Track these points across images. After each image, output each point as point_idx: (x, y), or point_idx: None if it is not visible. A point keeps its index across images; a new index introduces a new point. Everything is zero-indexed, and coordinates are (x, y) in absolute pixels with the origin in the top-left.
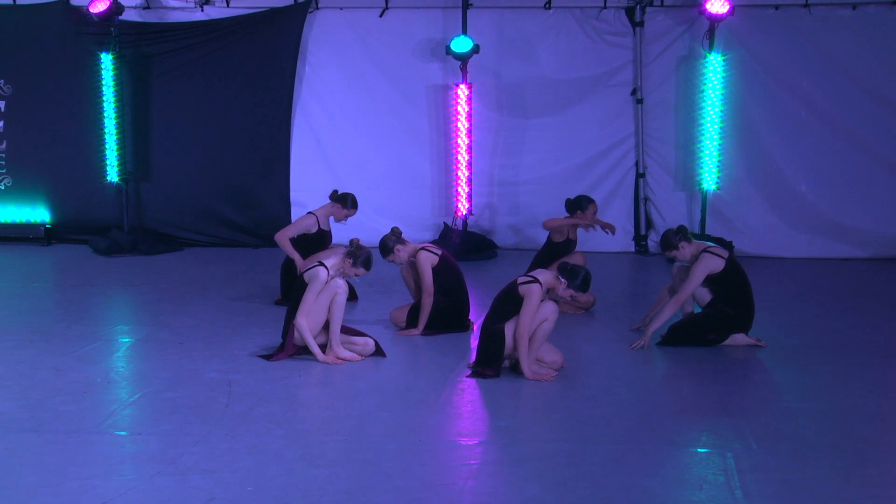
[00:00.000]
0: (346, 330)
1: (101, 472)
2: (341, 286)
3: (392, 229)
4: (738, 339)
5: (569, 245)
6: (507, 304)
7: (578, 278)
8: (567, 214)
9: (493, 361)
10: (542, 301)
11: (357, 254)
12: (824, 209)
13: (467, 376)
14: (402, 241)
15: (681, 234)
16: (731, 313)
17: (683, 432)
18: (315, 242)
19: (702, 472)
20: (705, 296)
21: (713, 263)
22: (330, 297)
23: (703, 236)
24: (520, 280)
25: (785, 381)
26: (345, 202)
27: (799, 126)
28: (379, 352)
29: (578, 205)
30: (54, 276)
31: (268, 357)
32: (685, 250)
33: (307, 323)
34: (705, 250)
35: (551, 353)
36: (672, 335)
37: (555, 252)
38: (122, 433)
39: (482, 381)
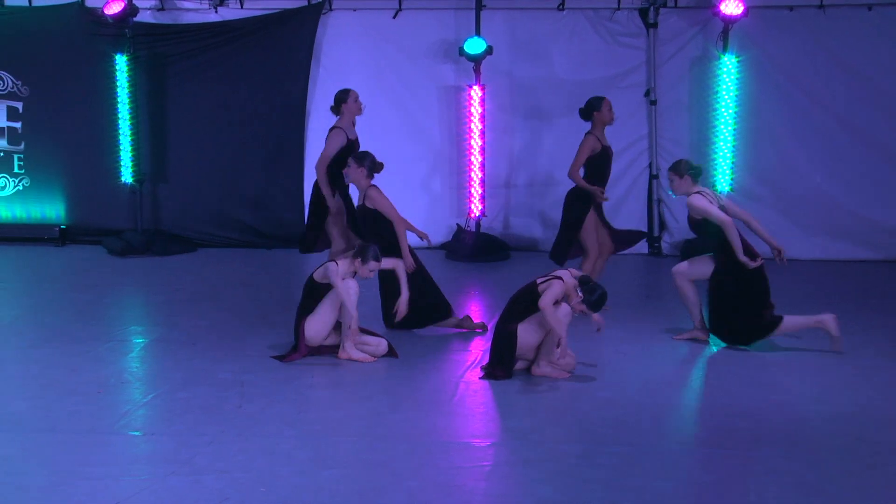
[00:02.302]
0: (359, 330)
1: (114, 472)
2: (353, 287)
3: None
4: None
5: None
6: (522, 303)
7: (595, 295)
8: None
9: (506, 362)
10: (559, 300)
11: (363, 251)
12: (839, 211)
13: (480, 377)
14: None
15: (681, 168)
16: (740, 265)
17: (696, 434)
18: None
19: (715, 474)
20: (707, 267)
21: (697, 202)
22: (339, 298)
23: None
24: (539, 280)
25: (799, 383)
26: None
27: (814, 128)
28: (392, 353)
29: (592, 107)
30: (68, 276)
31: (281, 358)
32: (675, 183)
33: (319, 324)
34: (698, 192)
35: (565, 356)
36: (721, 328)
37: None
38: (136, 433)
39: (494, 382)
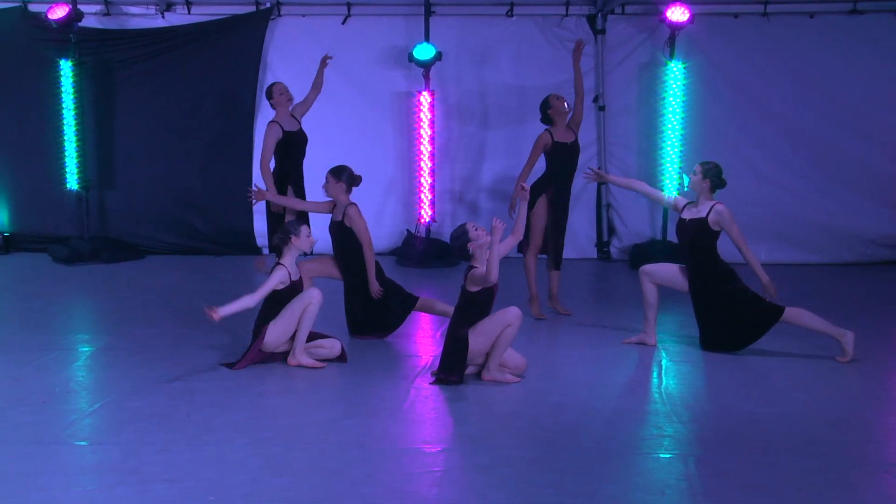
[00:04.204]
0: (312, 336)
1: (61, 483)
2: (315, 296)
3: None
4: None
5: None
6: (468, 308)
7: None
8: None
9: (457, 367)
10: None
11: (286, 230)
12: (785, 215)
13: (430, 383)
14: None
15: (716, 172)
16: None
17: (647, 438)
18: (293, 148)
19: (664, 477)
20: (677, 277)
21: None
22: (303, 306)
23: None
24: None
25: (747, 386)
26: (269, 94)
27: (759, 132)
28: (342, 357)
29: (545, 107)
30: (13, 285)
31: (230, 365)
32: (699, 183)
33: (281, 331)
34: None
35: (515, 359)
36: (716, 341)
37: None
38: (83, 443)
39: (446, 387)
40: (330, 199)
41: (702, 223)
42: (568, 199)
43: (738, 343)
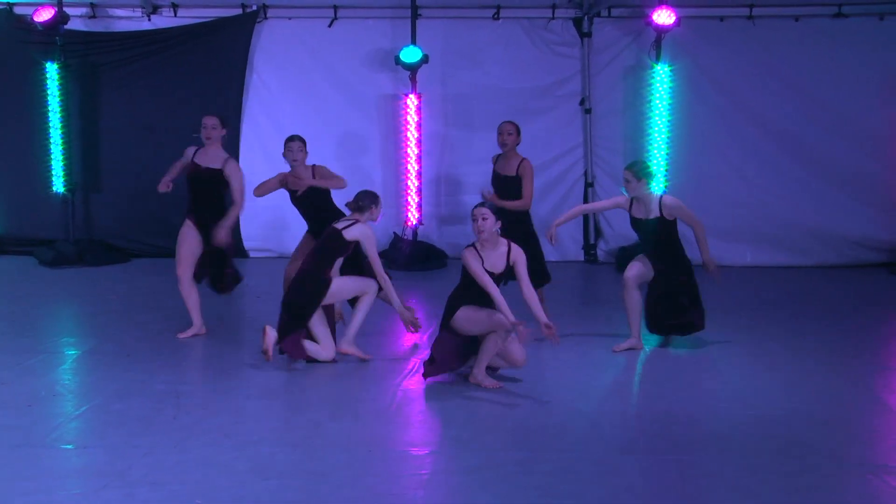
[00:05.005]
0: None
1: (46, 487)
2: (373, 287)
3: None
4: None
5: None
6: (470, 287)
7: None
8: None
9: (443, 323)
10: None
11: (363, 199)
12: (769, 218)
13: (423, 374)
14: None
15: (640, 170)
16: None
17: (633, 440)
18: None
19: (651, 479)
20: (647, 268)
21: (677, 202)
22: (364, 289)
23: None
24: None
25: (732, 388)
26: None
27: (744, 135)
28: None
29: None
30: None
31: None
32: (638, 187)
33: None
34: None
35: (516, 351)
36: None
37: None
38: (69, 447)
39: (431, 390)
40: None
41: (659, 221)
42: (521, 228)
43: (689, 329)
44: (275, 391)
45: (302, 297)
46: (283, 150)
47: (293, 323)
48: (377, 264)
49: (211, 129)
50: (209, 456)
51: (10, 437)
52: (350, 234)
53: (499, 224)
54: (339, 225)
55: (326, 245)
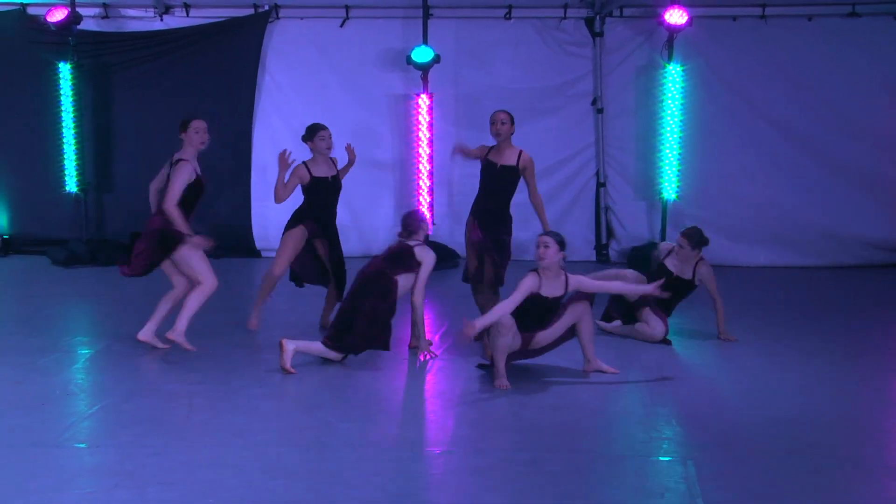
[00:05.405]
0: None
1: (59, 486)
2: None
3: None
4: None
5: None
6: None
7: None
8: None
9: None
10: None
11: (410, 224)
12: (782, 218)
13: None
14: None
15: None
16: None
17: (645, 441)
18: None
19: (663, 480)
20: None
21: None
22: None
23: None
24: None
25: (744, 389)
26: (311, 133)
27: (757, 135)
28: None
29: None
30: (11, 287)
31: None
32: (686, 251)
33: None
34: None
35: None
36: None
37: None
38: (81, 445)
39: (443, 389)
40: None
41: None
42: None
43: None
44: (285, 391)
45: (374, 299)
46: (308, 139)
47: (375, 326)
48: (422, 288)
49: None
50: (220, 456)
51: (23, 435)
52: (419, 254)
53: (562, 255)
54: (411, 242)
55: (397, 255)
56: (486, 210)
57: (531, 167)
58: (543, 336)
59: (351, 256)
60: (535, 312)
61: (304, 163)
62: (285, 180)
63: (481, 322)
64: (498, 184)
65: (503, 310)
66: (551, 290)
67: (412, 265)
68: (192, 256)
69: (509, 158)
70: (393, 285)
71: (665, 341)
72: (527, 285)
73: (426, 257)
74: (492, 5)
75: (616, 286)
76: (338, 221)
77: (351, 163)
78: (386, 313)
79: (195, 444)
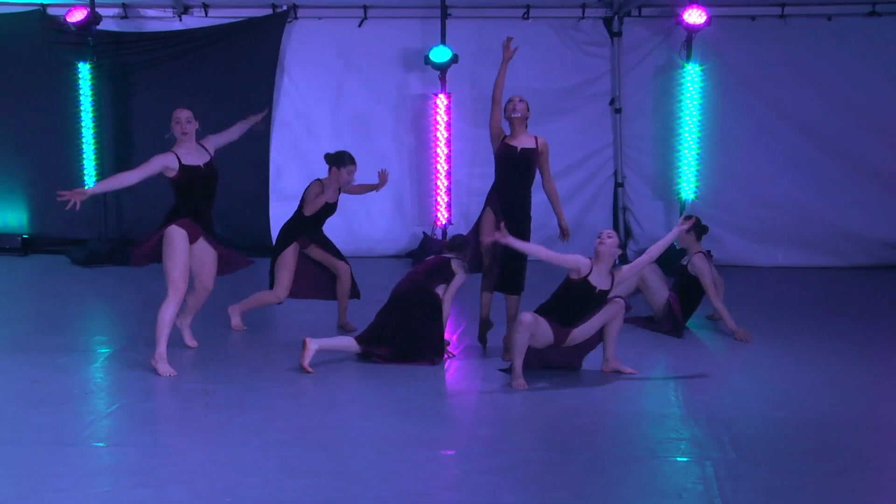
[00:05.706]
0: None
1: (78, 484)
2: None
3: None
4: None
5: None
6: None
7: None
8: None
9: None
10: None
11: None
12: (801, 218)
13: (500, 369)
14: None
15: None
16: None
17: (663, 441)
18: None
19: (681, 480)
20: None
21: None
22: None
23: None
24: None
25: (763, 389)
26: (340, 161)
27: (775, 135)
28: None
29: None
30: (31, 286)
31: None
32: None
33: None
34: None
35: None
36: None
37: None
38: (100, 444)
39: (460, 389)
40: None
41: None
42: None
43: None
44: (303, 391)
45: (417, 311)
46: (339, 167)
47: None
48: (451, 298)
49: (185, 122)
50: (239, 455)
51: (42, 434)
52: (455, 265)
53: (618, 252)
54: (448, 255)
55: (435, 269)
56: (508, 195)
57: (547, 152)
58: (579, 332)
59: (368, 257)
60: (579, 300)
61: (318, 179)
62: None
63: (515, 241)
64: (518, 167)
65: (541, 251)
66: (600, 281)
67: (448, 276)
68: (178, 255)
69: (528, 142)
70: (437, 299)
71: (676, 332)
72: (575, 257)
73: (461, 270)
74: (510, 5)
75: (646, 255)
76: (352, 222)
77: (377, 187)
78: (437, 331)
79: (214, 444)
